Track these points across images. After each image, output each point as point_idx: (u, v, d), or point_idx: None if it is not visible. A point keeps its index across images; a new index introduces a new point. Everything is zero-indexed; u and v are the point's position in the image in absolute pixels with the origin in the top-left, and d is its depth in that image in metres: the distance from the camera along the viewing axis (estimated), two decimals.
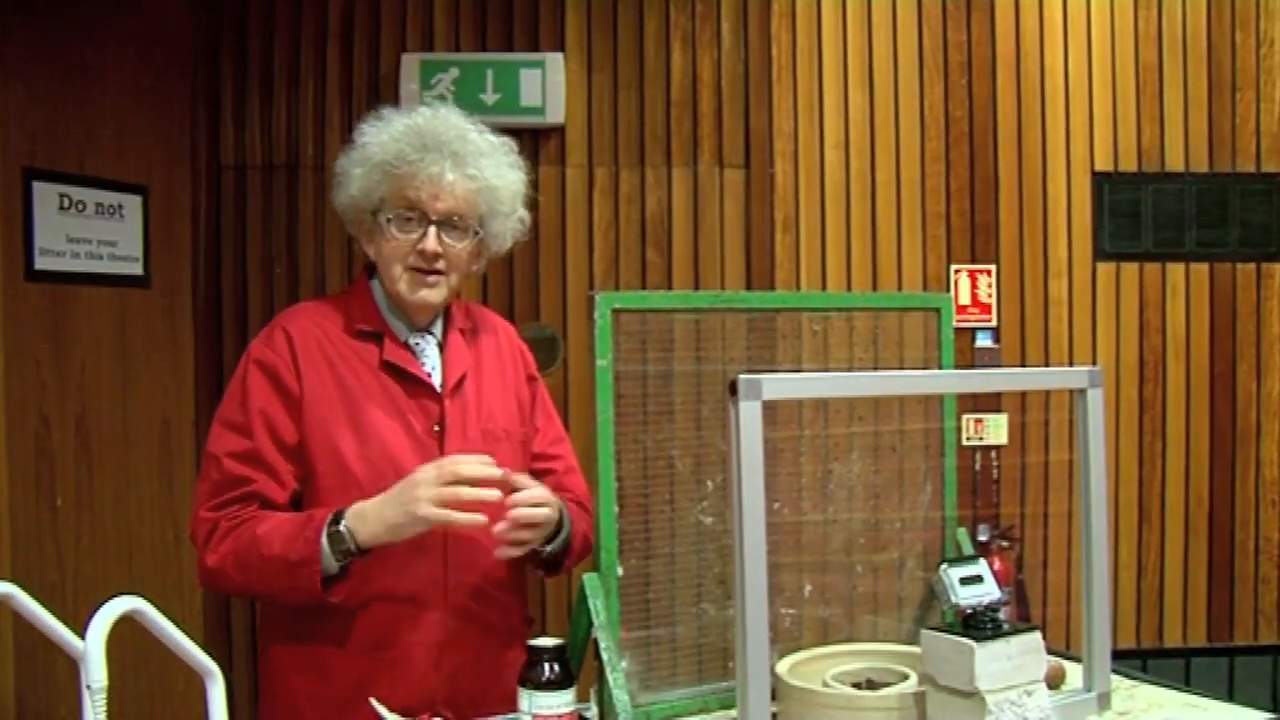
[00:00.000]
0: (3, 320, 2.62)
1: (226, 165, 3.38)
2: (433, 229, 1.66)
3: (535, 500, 1.63)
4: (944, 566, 1.49)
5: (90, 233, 2.90)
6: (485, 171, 1.70)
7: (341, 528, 1.55)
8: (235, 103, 3.39)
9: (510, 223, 1.77)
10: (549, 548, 1.71)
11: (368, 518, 1.56)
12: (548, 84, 3.39)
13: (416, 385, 1.70)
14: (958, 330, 3.51)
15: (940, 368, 1.83)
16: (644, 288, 3.44)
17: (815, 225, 3.52)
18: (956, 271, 3.55)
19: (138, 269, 3.04)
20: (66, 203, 2.84)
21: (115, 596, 1.13)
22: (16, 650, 2.56)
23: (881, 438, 1.83)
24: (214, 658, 1.27)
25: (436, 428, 1.69)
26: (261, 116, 3.40)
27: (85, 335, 2.87)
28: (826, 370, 1.75)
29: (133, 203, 3.03)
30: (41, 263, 2.77)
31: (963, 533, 1.86)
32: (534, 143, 3.45)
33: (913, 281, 3.54)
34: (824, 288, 3.51)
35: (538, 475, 1.82)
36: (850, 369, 1.78)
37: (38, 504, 2.73)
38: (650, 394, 1.63)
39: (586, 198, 3.48)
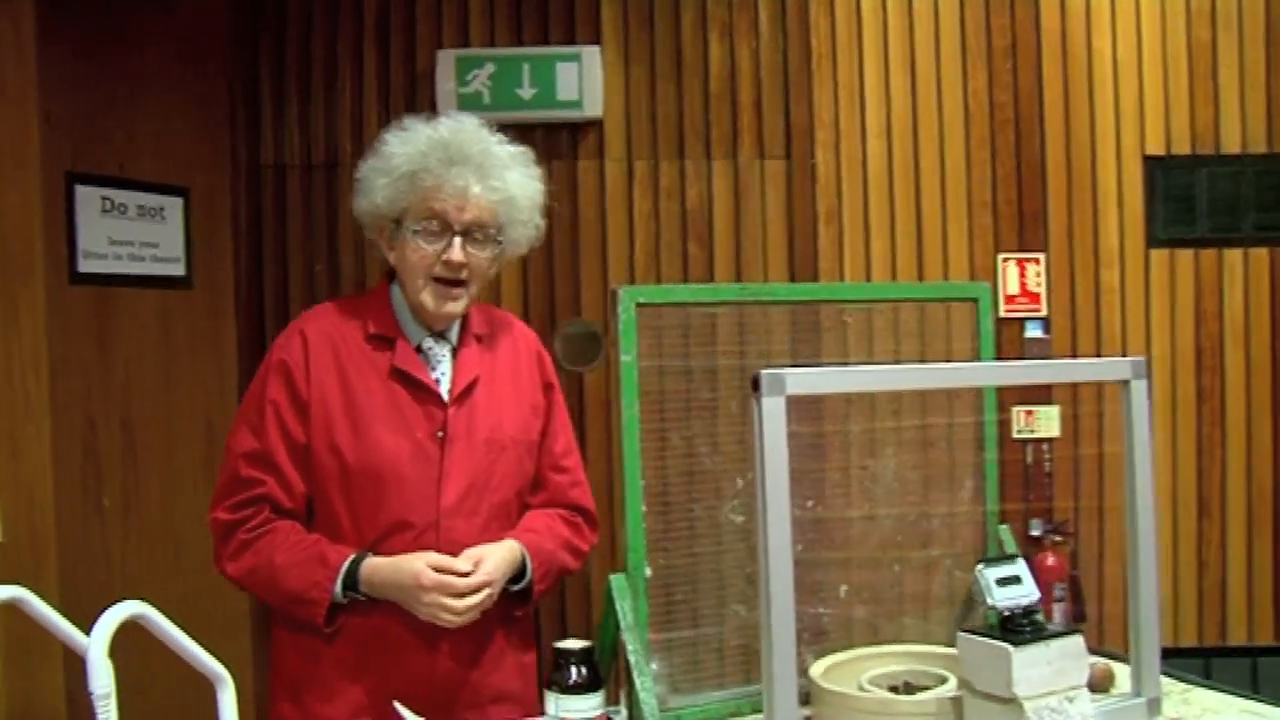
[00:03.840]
0: (47, 323, 2.65)
1: (266, 165, 3.41)
2: (457, 239, 1.71)
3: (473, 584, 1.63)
4: (980, 567, 1.44)
5: (132, 235, 2.93)
6: (509, 184, 1.75)
7: (360, 585, 1.65)
8: (274, 103, 3.41)
9: (527, 230, 1.82)
10: (513, 588, 1.72)
11: (377, 586, 1.65)
12: (585, 77, 3.37)
13: (423, 392, 1.73)
14: (1007, 321, 3.44)
15: (979, 359, 1.77)
16: (686, 281, 3.41)
17: (858, 216, 3.46)
18: (1004, 260, 3.47)
19: (180, 270, 3.07)
20: (108, 205, 2.87)
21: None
22: (65, 648, 2.59)
23: (921, 432, 1.78)
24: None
25: (440, 434, 1.72)
26: (300, 116, 3.41)
27: (129, 337, 2.89)
28: (871, 363, 1.71)
29: (174, 204, 3.05)
30: (85, 265, 2.80)
31: (1004, 529, 1.81)
32: (572, 137, 3.43)
33: (959, 271, 3.47)
34: (868, 279, 3.46)
35: (543, 484, 1.83)
36: (896, 361, 1.73)
37: (84, 504, 2.76)
38: (690, 389, 1.61)
39: (626, 191, 3.45)
